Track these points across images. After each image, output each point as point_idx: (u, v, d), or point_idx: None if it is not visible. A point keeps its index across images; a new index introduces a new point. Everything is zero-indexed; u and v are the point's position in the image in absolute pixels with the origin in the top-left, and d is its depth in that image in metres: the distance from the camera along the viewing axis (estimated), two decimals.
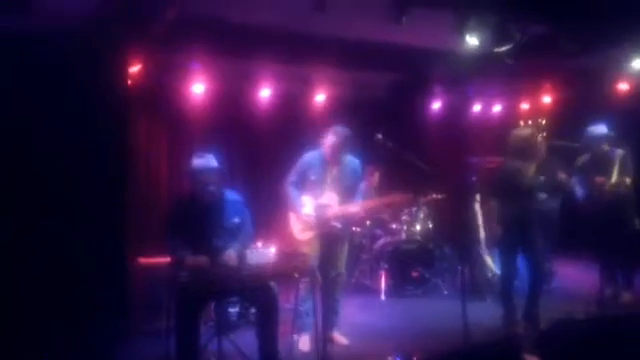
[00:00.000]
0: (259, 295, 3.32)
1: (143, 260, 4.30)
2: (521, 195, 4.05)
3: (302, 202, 3.95)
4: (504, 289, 4.25)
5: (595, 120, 4.85)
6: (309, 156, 4.03)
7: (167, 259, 3.55)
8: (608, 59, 5.38)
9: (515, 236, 4.07)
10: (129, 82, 4.66)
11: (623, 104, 5.93)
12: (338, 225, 3.92)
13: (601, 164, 4.73)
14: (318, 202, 3.92)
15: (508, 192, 4.09)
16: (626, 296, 4.81)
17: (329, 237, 3.92)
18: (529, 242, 4.08)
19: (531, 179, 4.08)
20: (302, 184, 3.98)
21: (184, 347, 3.16)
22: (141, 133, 5.34)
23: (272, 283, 3.37)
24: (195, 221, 3.36)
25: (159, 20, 4.07)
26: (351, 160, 4.02)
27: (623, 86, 6.06)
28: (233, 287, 3.31)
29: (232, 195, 3.55)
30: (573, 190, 4.87)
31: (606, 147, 4.72)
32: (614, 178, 4.61)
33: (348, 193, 3.99)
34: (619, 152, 4.70)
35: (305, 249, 3.88)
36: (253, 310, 3.84)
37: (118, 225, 4.36)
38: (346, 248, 4.09)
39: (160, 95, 5.44)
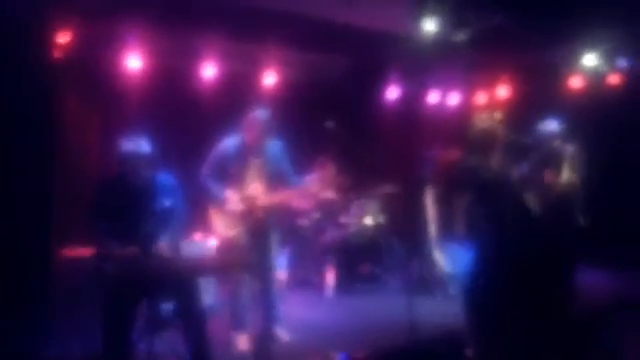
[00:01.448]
0: (182, 292, 3.13)
1: (69, 251, 4.00)
2: (489, 191, 3.96)
3: (225, 196, 3.65)
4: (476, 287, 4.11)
5: (548, 115, 4.90)
6: (226, 145, 3.71)
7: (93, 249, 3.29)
8: (563, 54, 5.43)
9: (488, 233, 3.97)
10: (56, 53, 4.25)
11: (576, 100, 6.01)
12: (268, 217, 3.69)
13: (551, 161, 4.77)
14: (243, 194, 3.65)
15: (474, 189, 3.99)
16: None
17: (260, 231, 3.68)
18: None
19: (495, 173, 3.99)
20: (221, 176, 3.68)
21: (112, 346, 2.98)
22: (70, 109, 4.91)
23: (197, 280, 3.22)
24: (123, 206, 3.18)
25: None
26: (273, 144, 3.74)
27: (576, 82, 6.13)
28: (167, 282, 3.10)
29: (164, 178, 3.35)
30: None
31: (557, 143, 4.76)
32: (565, 176, 4.66)
33: (275, 180, 3.72)
34: (569, 148, 4.75)
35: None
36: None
37: (42, 213, 4.02)
38: (277, 239, 3.87)
39: (93, 69, 5.03)
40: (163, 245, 3.19)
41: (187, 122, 5.50)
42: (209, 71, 5.38)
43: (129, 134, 3.27)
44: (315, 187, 4.01)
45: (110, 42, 4.83)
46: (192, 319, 3.13)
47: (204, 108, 5.47)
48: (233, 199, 3.64)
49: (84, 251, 3.79)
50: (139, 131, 3.30)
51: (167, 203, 3.27)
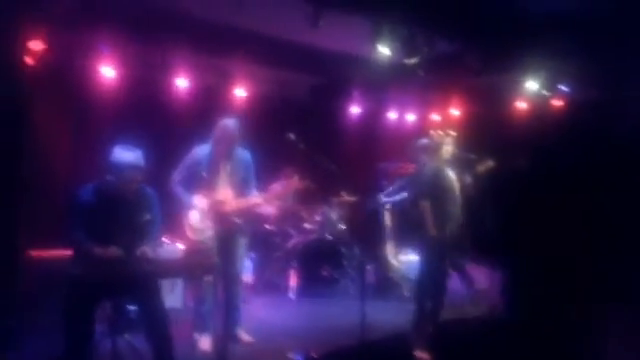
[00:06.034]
0: (145, 295, 3.16)
1: (37, 253, 4.04)
2: (447, 198, 4.18)
3: (194, 202, 3.78)
4: (429, 289, 4.20)
5: (496, 133, 5.19)
6: (199, 151, 3.84)
7: (65, 252, 3.32)
8: (507, 79, 5.83)
9: (447, 240, 4.16)
10: (28, 59, 4.31)
11: (522, 121, 6.43)
12: (238, 221, 3.83)
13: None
14: (213, 199, 3.78)
15: (434, 196, 4.20)
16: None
17: (228, 234, 3.79)
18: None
19: (446, 182, 4.27)
20: (191, 181, 3.80)
21: (72, 348, 2.99)
22: (41, 115, 4.93)
23: (157, 281, 3.26)
24: (106, 214, 3.16)
25: None
26: (242, 152, 3.89)
27: (522, 105, 6.55)
28: (129, 283, 3.13)
29: (147, 190, 3.36)
30: None
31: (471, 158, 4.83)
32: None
33: (242, 187, 3.88)
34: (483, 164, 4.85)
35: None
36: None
37: (7, 215, 4.03)
38: (245, 243, 4.00)
39: (66, 76, 5.10)
40: (146, 250, 3.17)
41: (158, 132, 5.55)
42: (181, 83, 5.55)
43: (125, 143, 3.24)
44: (266, 197, 4.07)
45: (84, 51, 4.95)
46: (154, 319, 3.14)
47: (175, 119, 5.63)
48: (203, 204, 3.78)
49: (52, 253, 3.88)
50: (127, 141, 3.27)
51: (148, 216, 3.28)
